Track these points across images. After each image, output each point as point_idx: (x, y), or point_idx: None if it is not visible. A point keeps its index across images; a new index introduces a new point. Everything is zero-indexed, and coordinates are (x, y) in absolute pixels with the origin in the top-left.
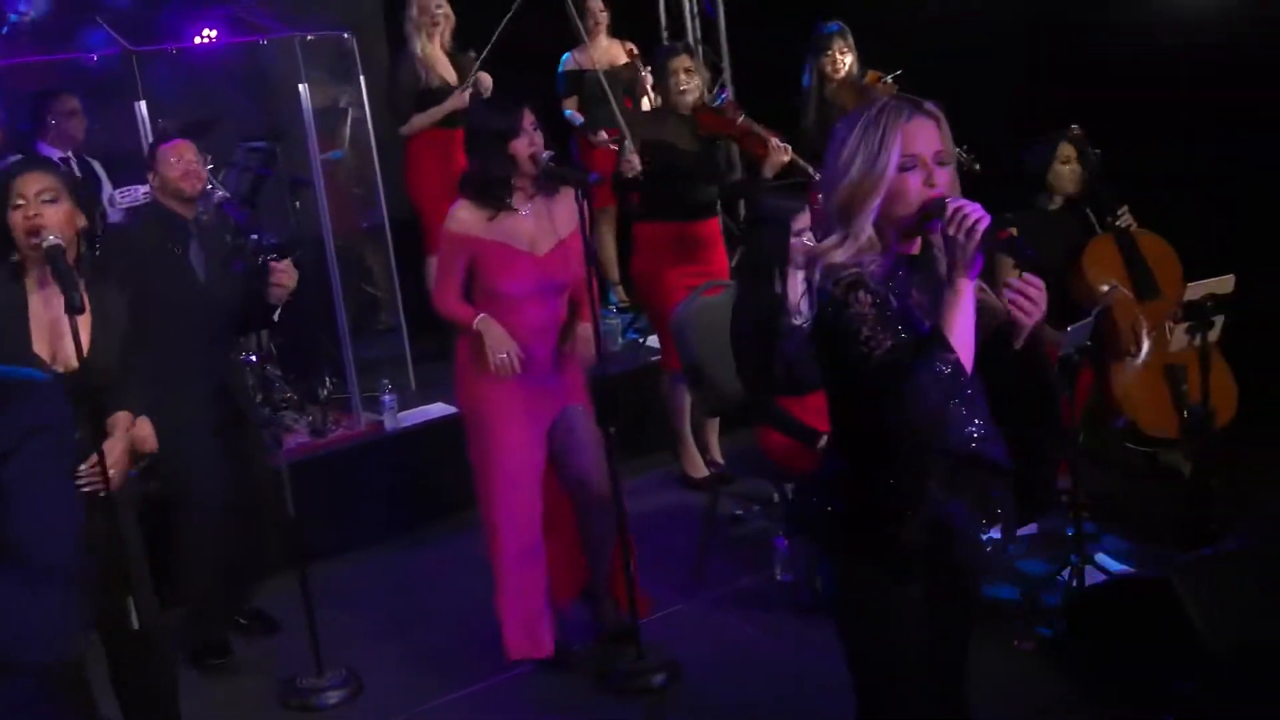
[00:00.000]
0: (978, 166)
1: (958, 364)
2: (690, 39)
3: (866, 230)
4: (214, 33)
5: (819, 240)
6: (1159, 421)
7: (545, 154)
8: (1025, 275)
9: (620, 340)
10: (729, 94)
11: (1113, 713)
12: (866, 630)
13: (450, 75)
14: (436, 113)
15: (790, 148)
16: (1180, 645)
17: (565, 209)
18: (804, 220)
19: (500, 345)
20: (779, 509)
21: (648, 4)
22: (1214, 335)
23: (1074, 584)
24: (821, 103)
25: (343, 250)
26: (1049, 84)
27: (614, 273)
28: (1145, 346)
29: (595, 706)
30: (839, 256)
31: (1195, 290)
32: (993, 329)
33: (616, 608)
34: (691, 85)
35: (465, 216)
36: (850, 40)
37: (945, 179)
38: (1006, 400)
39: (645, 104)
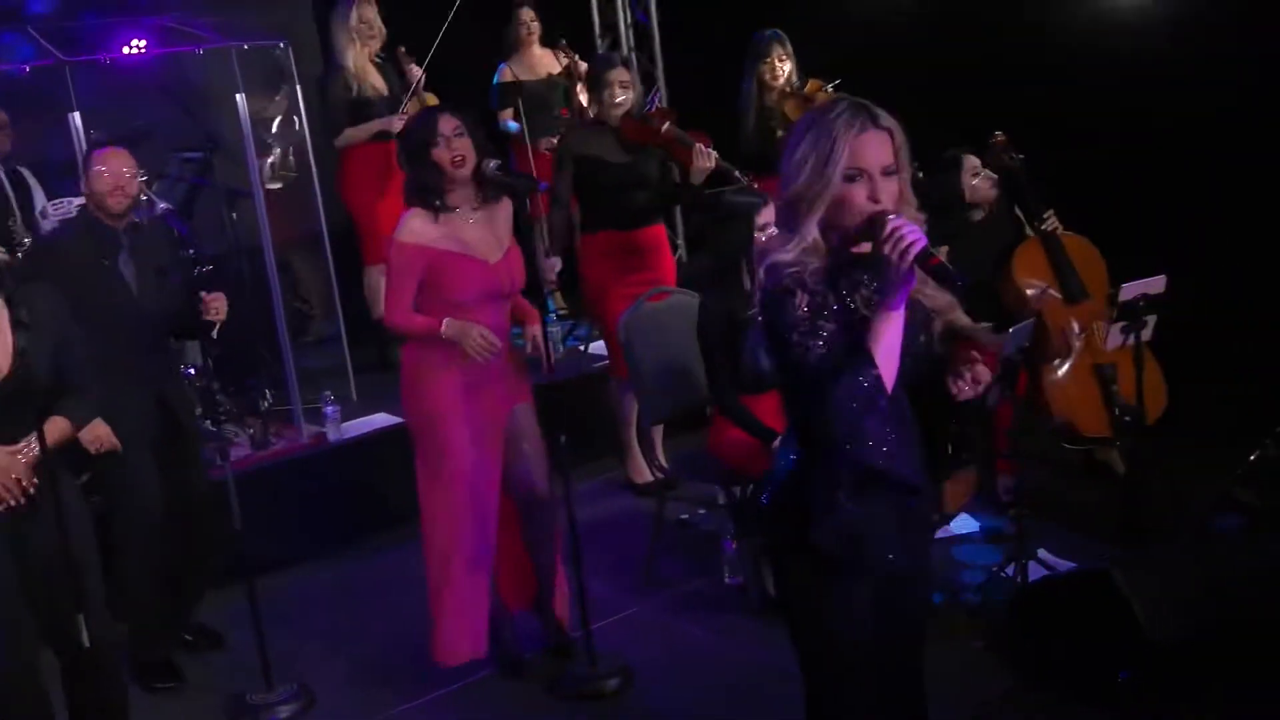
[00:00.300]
0: (920, 174)
1: (878, 379)
2: (624, 47)
3: (811, 233)
4: (143, 43)
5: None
6: (1092, 421)
7: (493, 162)
8: (974, 370)
9: (561, 348)
10: (658, 101)
11: (1058, 705)
12: (810, 627)
13: (381, 85)
14: (369, 128)
15: (716, 154)
16: (1122, 637)
17: (504, 215)
18: (767, 215)
19: (472, 336)
20: (726, 512)
21: (581, 13)
22: (1147, 334)
23: (1018, 580)
24: (762, 110)
25: (279, 262)
26: (973, 90)
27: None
28: (1076, 348)
29: (549, 714)
30: (784, 256)
31: (1129, 291)
32: (954, 351)
33: (557, 624)
34: (626, 98)
35: (417, 226)
36: (788, 47)
37: (891, 193)
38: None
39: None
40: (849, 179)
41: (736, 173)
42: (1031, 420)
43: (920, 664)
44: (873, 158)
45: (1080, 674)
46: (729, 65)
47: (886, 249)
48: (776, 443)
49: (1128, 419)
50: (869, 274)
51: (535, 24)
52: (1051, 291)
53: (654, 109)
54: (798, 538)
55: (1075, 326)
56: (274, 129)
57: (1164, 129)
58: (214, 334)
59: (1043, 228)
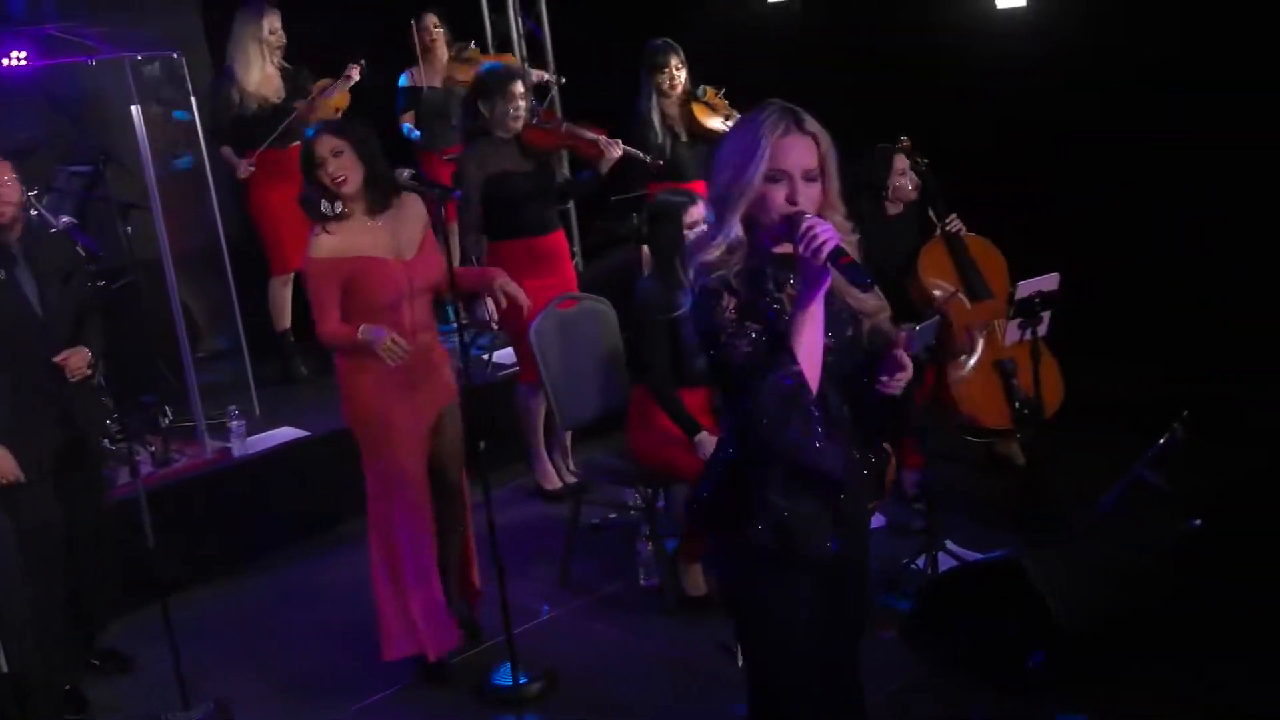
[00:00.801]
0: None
1: (800, 377)
2: (517, 57)
3: (734, 230)
4: (23, 55)
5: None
6: (994, 414)
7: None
8: (898, 370)
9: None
10: (541, 105)
11: (971, 691)
12: (755, 619)
13: (276, 97)
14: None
15: (620, 141)
16: (1032, 622)
17: (412, 213)
18: (696, 213)
19: (382, 340)
20: (642, 515)
21: (474, 22)
22: (1042, 330)
23: (928, 571)
24: (664, 118)
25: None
26: (864, 94)
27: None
28: (979, 345)
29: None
30: (709, 255)
31: (1024, 289)
32: (882, 349)
33: (468, 607)
34: (525, 109)
35: (326, 243)
36: (682, 55)
37: (811, 196)
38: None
39: None
40: (771, 180)
41: (644, 156)
42: (937, 416)
43: (858, 652)
44: (794, 161)
45: (992, 660)
46: (621, 74)
47: (800, 247)
48: (698, 437)
49: (1027, 412)
50: (791, 273)
51: (439, 30)
52: (959, 295)
53: (542, 114)
54: (736, 532)
55: (978, 323)
56: None
57: (1048, 131)
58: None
59: (948, 229)
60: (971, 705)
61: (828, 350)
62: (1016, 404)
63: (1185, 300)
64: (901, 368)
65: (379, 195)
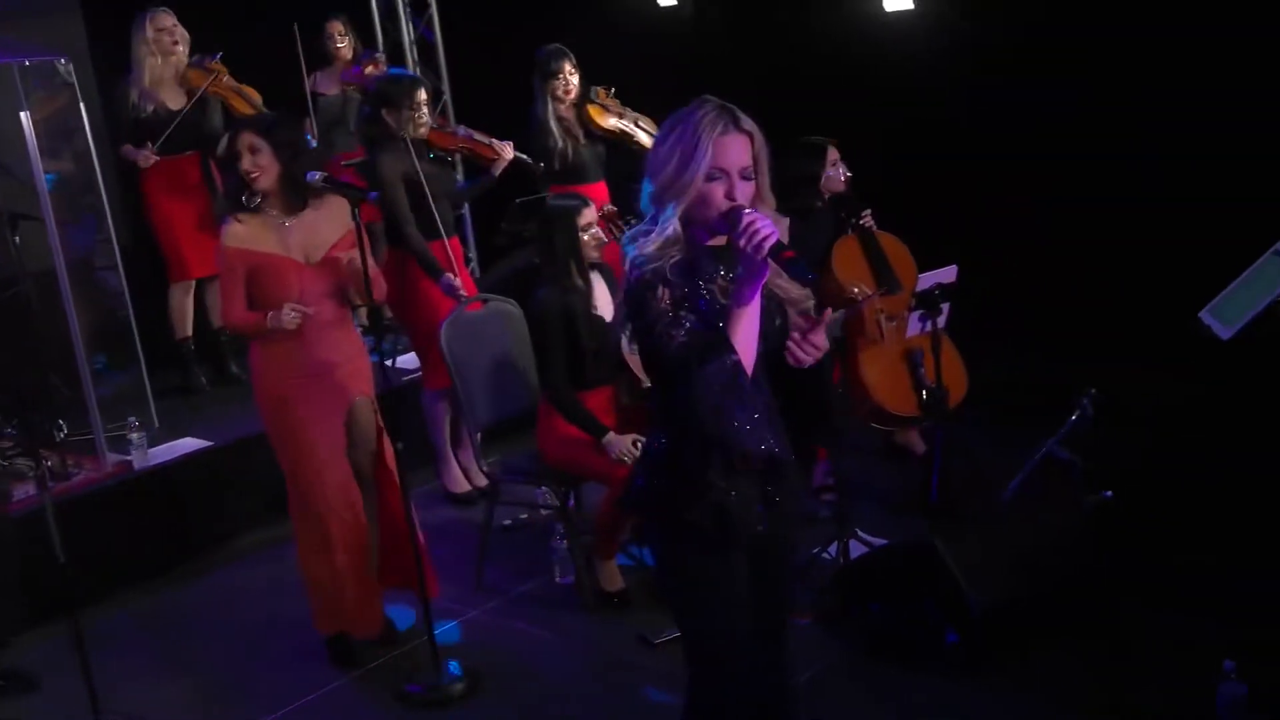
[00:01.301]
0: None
1: (737, 365)
2: (410, 63)
3: (672, 225)
4: None
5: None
6: (902, 404)
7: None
8: (811, 338)
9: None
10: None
11: (888, 671)
12: (691, 601)
13: (176, 101)
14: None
15: (511, 144)
16: (946, 603)
17: (331, 216)
18: (589, 216)
19: (284, 314)
20: (556, 513)
21: (365, 29)
22: (942, 321)
23: (840, 559)
24: (560, 123)
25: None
26: (766, 98)
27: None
28: (888, 337)
29: None
30: (647, 247)
31: (924, 281)
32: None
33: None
34: (427, 120)
35: (238, 231)
36: (574, 60)
37: (747, 193)
38: (787, 395)
39: None
40: (710, 178)
41: (532, 161)
42: (846, 406)
43: (786, 630)
44: (733, 159)
45: (908, 641)
46: (515, 78)
47: (742, 242)
48: (606, 439)
49: (933, 400)
50: (725, 266)
51: (344, 37)
52: (869, 291)
53: (438, 118)
54: (673, 517)
55: (887, 316)
56: None
57: (938, 130)
58: None
59: (861, 224)
60: (889, 686)
61: (760, 338)
62: (923, 393)
63: (1077, 289)
64: (812, 334)
65: (295, 196)
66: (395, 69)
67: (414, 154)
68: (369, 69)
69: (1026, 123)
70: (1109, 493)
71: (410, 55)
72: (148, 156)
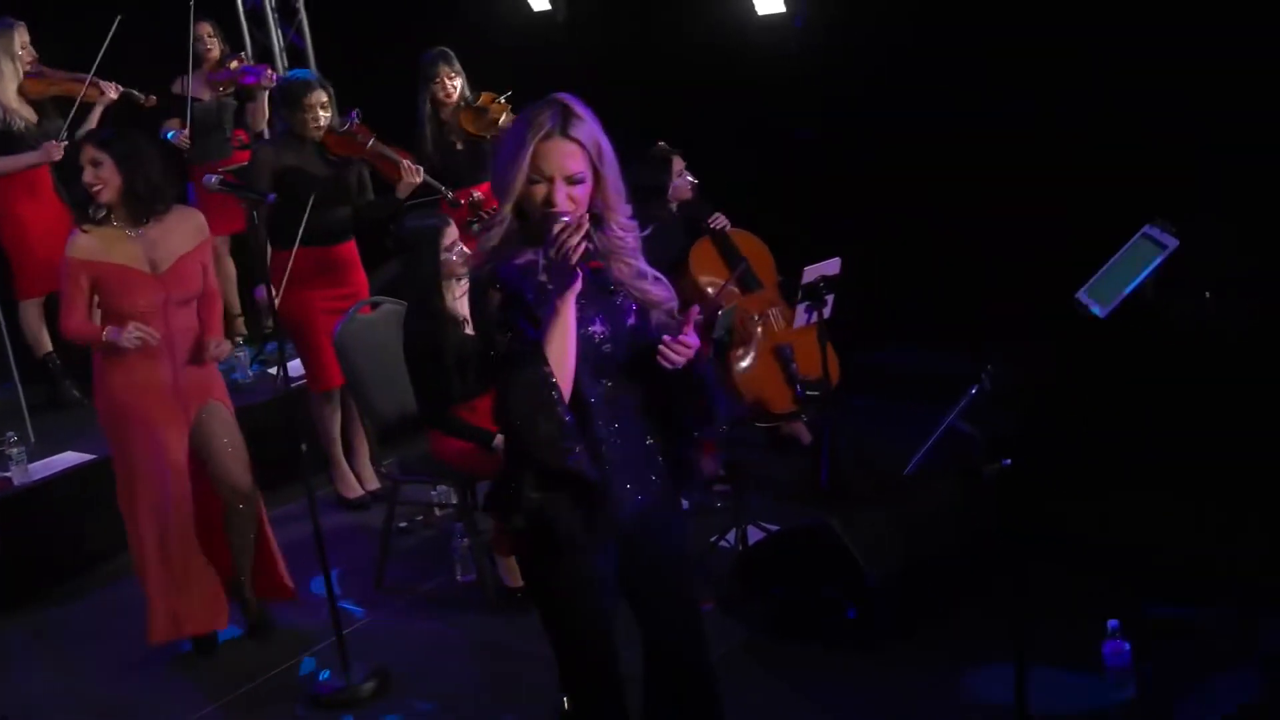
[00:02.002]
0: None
1: (548, 377)
2: (280, 70)
3: (505, 222)
4: None
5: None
6: (778, 398)
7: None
8: (681, 338)
9: (249, 373)
10: (357, 116)
11: (792, 648)
12: (544, 603)
13: (31, 113)
14: (22, 161)
15: (423, 169)
16: (844, 580)
17: (181, 228)
18: (452, 235)
19: (126, 334)
20: (455, 512)
21: (233, 35)
22: (827, 312)
23: (739, 546)
24: (439, 128)
25: None
26: (641, 102)
27: (235, 304)
28: (756, 335)
29: None
30: (488, 242)
31: (809, 273)
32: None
33: (260, 602)
34: (325, 119)
35: (83, 243)
36: (456, 64)
37: (577, 197)
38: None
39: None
40: (531, 181)
41: (445, 189)
42: (732, 402)
43: (691, 614)
44: (554, 165)
45: (809, 620)
46: (388, 84)
47: (552, 252)
48: (495, 442)
49: (812, 392)
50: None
51: (213, 40)
52: (730, 286)
53: (354, 125)
54: (504, 521)
55: (752, 314)
56: None
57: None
58: None
59: (714, 227)
60: (794, 663)
61: (603, 341)
62: (798, 386)
63: (959, 276)
64: (683, 335)
65: (139, 209)
66: (297, 70)
67: (307, 152)
68: (233, 65)
69: (901, 118)
70: (1008, 460)
71: (280, 61)
72: (57, 149)
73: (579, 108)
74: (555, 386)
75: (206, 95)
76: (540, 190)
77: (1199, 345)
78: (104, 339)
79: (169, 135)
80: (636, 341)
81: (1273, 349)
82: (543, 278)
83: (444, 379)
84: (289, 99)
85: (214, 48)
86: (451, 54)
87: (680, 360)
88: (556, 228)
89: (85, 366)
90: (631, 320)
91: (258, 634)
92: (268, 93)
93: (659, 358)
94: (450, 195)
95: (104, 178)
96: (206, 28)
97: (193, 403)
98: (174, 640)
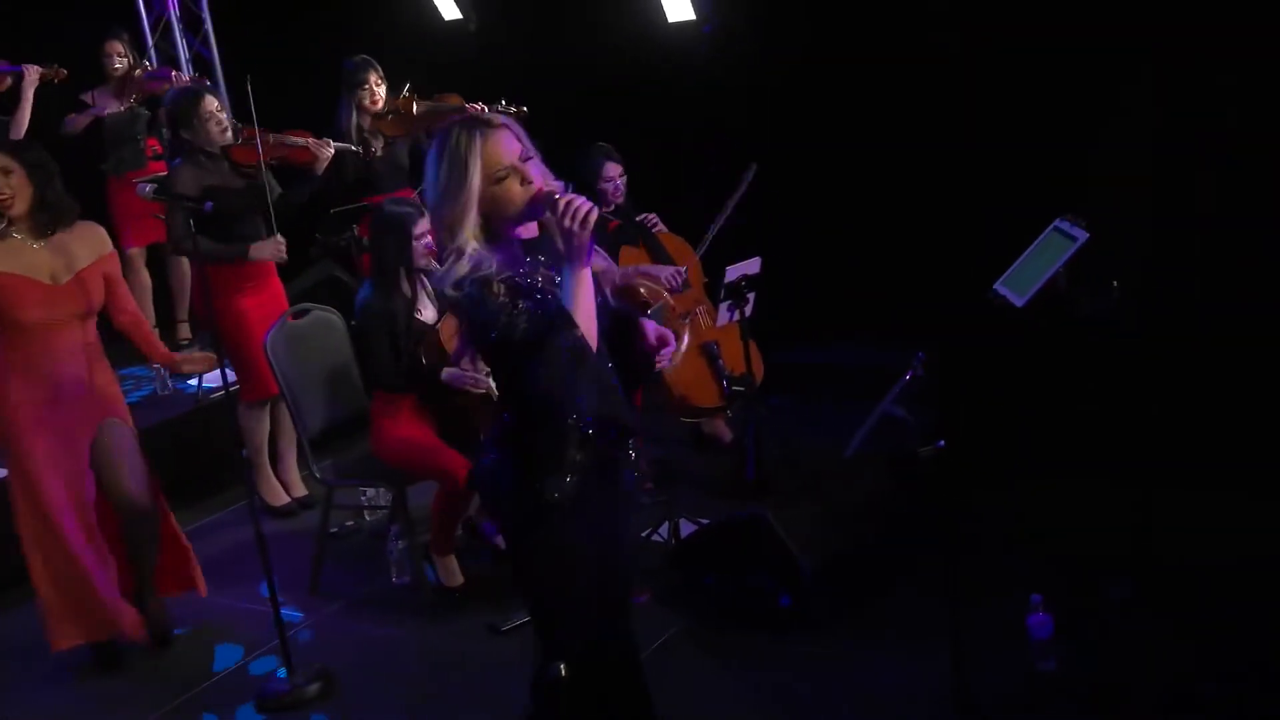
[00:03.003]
0: None
1: (581, 339)
2: (185, 76)
3: (470, 243)
4: None
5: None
6: (706, 395)
7: (148, 186)
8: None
9: (169, 385)
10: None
11: (729, 636)
12: (541, 570)
13: None
14: None
15: (330, 139)
16: (777, 568)
17: (83, 240)
18: (423, 225)
19: None
20: (394, 513)
21: (137, 45)
22: (749, 310)
23: (671, 540)
24: (362, 135)
25: None
26: (555, 109)
27: (151, 317)
28: (685, 334)
29: None
30: (460, 271)
31: (732, 273)
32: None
33: (162, 607)
34: (226, 120)
35: None
36: (380, 70)
37: (536, 172)
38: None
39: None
40: (497, 180)
41: (355, 148)
42: (653, 401)
43: (630, 602)
44: (507, 152)
45: (744, 608)
46: (297, 94)
47: (566, 222)
48: (491, 388)
49: (738, 388)
50: (542, 254)
51: (123, 58)
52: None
53: (245, 130)
54: (523, 492)
55: (679, 313)
56: None
57: (729, 134)
58: None
59: (649, 226)
60: (729, 651)
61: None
62: (725, 382)
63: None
64: (666, 343)
65: (47, 220)
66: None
67: (219, 166)
68: (137, 74)
69: (816, 121)
70: (941, 442)
71: (187, 73)
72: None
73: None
74: (588, 347)
75: (117, 107)
76: (511, 184)
77: (1108, 333)
78: None
79: (145, 189)
80: (603, 317)
81: (1176, 337)
82: (538, 263)
83: (397, 356)
84: (183, 116)
85: (123, 65)
86: (374, 61)
87: (667, 363)
88: (563, 200)
89: None
90: (598, 297)
91: (158, 644)
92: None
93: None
94: (359, 151)
95: (15, 186)
96: (118, 46)
97: (94, 419)
98: (76, 646)
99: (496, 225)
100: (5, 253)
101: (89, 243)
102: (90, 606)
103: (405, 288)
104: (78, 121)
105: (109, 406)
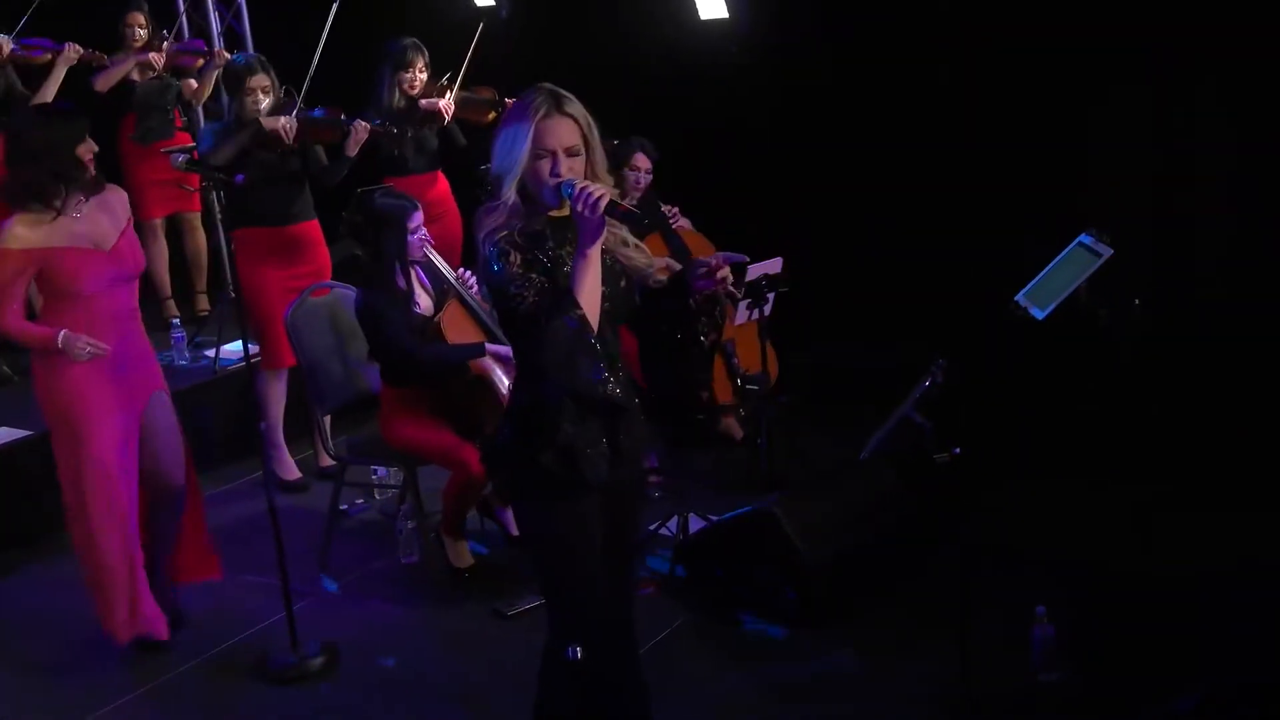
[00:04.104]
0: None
1: (583, 319)
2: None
3: (510, 197)
4: None
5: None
6: (718, 390)
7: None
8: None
9: (188, 354)
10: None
11: (734, 629)
12: (548, 544)
13: None
14: None
15: (364, 123)
16: (784, 563)
17: (116, 203)
18: (418, 219)
19: (78, 348)
20: (405, 494)
21: (166, 19)
22: (768, 309)
23: (680, 535)
24: (398, 115)
25: None
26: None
27: (166, 286)
28: None
29: (261, 698)
30: (494, 221)
31: (752, 272)
32: (647, 287)
33: (171, 589)
34: (266, 102)
35: (24, 232)
36: (427, 56)
37: (574, 169)
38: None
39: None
40: (537, 157)
41: (394, 130)
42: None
43: (633, 591)
44: (555, 140)
45: (750, 600)
46: (329, 72)
47: (579, 207)
48: (490, 349)
49: (752, 387)
50: (566, 236)
51: (144, 29)
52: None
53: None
54: (529, 464)
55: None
56: None
57: (758, 134)
58: None
59: (671, 220)
60: (734, 643)
61: (604, 298)
62: (738, 380)
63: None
64: (708, 269)
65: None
66: (236, 55)
67: (255, 137)
68: (165, 45)
69: (845, 123)
70: (958, 449)
71: (217, 46)
72: None
73: (564, 91)
74: (589, 326)
75: (141, 76)
76: (545, 164)
77: (1131, 347)
78: (59, 345)
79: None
80: (629, 303)
81: (1190, 350)
82: (563, 242)
83: (405, 335)
84: (231, 81)
85: (140, 38)
86: (422, 45)
87: (715, 284)
88: (578, 189)
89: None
90: (622, 283)
91: (175, 626)
92: (216, 72)
93: (699, 284)
94: (387, 126)
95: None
96: (139, 17)
97: (145, 391)
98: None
99: (534, 193)
100: (54, 230)
101: (120, 205)
102: (146, 601)
103: (400, 281)
104: (111, 74)
105: (153, 379)
